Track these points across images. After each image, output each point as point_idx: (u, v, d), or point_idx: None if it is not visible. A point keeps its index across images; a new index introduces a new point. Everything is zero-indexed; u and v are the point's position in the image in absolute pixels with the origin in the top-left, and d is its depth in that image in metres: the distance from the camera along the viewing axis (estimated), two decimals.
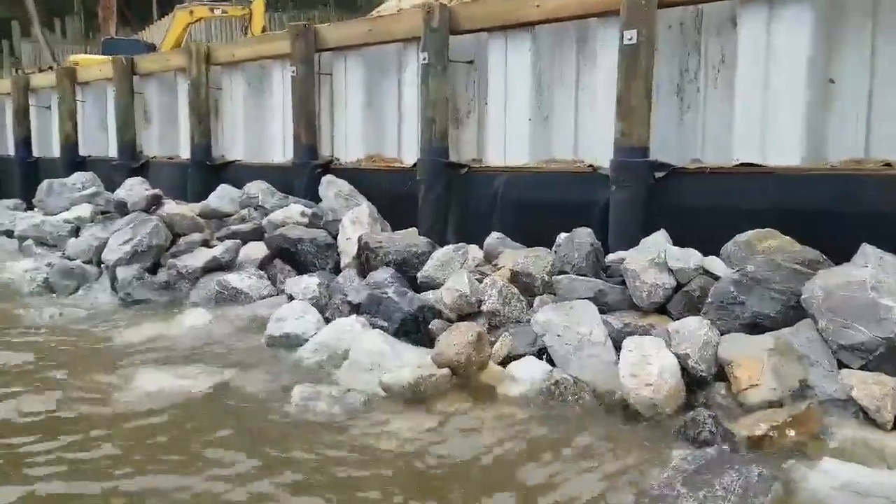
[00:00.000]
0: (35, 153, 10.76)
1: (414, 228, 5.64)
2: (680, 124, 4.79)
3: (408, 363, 3.68)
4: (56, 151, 10.43)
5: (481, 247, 4.91)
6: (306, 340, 4.13)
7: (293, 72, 6.55)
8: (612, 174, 4.59)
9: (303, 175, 6.62)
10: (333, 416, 3.23)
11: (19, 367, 4.00)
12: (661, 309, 3.77)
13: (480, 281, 4.33)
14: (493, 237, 4.93)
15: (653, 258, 3.76)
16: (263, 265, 5.58)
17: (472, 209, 5.52)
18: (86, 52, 19.85)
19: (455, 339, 3.41)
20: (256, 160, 7.49)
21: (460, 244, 4.81)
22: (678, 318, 3.64)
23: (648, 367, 3.07)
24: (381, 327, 4.09)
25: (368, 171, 6.34)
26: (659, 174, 4.48)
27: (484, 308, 4.08)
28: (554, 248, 4.39)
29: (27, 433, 3.10)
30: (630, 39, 4.47)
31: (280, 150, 7.26)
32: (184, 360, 4.01)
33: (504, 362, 3.60)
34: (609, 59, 4.83)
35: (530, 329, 3.76)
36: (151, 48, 17.22)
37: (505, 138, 5.44)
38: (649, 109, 4.52)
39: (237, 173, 7.41)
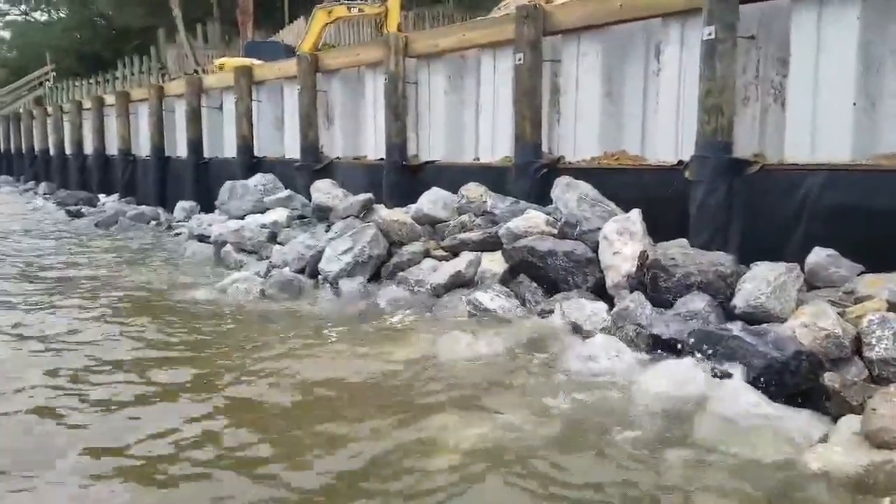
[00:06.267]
0: (206, 154, 10.69)
1: (683, 240, 4.70)
2: None
3: (798, 431, 2.76)
4: (226, 152, 10.29)
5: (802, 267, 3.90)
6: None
7: (518, 59, 5.76)
8: None
9: (525, 176, 5.82)
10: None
11: (305, 405, 3.41)
12: None
13: (841, 315, 3.34)
14: (821, 255, 3.88)
15: None
16: (505, 281, 4.83)
17: (765, 218, 4.48)
18: (224, 56, 20.27)
19: None
20: (457, 160, 6.81)
21: (792, 264, 3.81)
22: None
23: None
24: (724, 374, 3.18)
25: (608, 171, 5.44)
26: None
27: (871, 355, 3.07)
28: None
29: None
30: None
31: (488, 148, 6.52)
32: (485, 399, 3.27)
33: None
34: None
35: None
36: (290, 50, 17.22)
37: (814, 129, 4.37)
38: None
39: (435, 174, 6.74)
